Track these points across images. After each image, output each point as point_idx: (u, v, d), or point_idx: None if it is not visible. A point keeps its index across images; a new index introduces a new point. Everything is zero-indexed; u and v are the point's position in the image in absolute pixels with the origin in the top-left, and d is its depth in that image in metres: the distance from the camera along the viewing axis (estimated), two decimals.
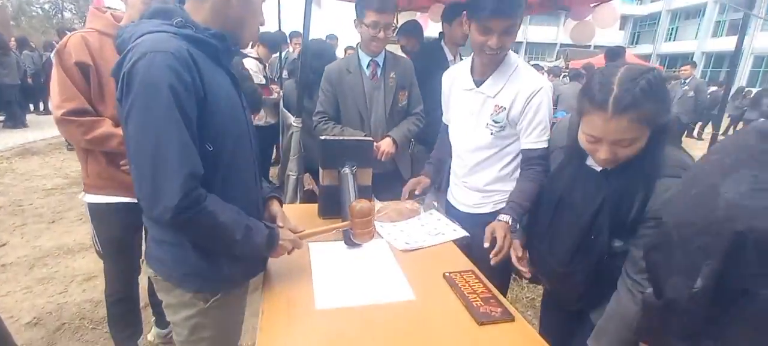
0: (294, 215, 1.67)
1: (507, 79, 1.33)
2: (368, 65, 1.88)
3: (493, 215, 1.30)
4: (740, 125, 11.22)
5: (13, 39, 8.34)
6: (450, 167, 1.63)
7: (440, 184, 1.68)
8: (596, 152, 0.95)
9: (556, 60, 19.04)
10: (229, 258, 0.94)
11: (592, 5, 3.80)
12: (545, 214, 1.14)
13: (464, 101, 1.45)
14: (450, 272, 1.16)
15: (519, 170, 1.40)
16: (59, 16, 21.65)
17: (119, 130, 1.29)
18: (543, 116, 1.30)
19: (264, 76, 3.42)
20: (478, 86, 1.38)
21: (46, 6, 20.30)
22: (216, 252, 0.92)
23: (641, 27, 29.31)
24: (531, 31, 27.20)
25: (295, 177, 2.05)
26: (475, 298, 1.04)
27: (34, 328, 2.08)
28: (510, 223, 1.22)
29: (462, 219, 1.51)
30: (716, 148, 0.68)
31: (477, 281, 1.13)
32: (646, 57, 24.43)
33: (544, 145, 1.31)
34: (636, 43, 28.60)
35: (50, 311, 2.20)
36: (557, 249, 1.08)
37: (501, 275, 1.40)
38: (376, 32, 1.72)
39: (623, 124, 0.87)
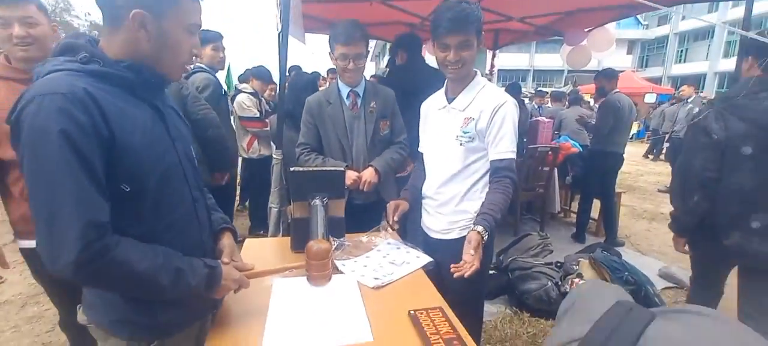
0: (269, 248, 1.64)
1: (475, 95, 1.40)
2: (348, 95, 1.88)
3: (458, 241, 1.29)
4: None
5: None
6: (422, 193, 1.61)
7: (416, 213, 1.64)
8: None
9: (563, 86, 19.02)
10: (163, 303, 0.88)
11: (585, 30, 3.80)
12: None
13: (438, 120, 1.51)
14: (415, 310, 1.08)
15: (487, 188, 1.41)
16: None
17: None
18: (508, 128, 1.35)
19: (259, 110, 3.47)
20: (450, 103, 1.46)
21: None
22: (143, 299, 0.87)
23: (650, 50, 29.22)
24: (537, 59, 27.42)
25: (276, 210, 2.02)
26: (436, 339, 0.96)
27: None
28: (484, 236, 1.24)
29: (433, 246, 1.49)
30: None
31: (443, 319, 1.05)
32: (656, 79, 24.17)
33: (511, 155, 1.36)
34: (645, 67, 28.44)
35: None
36: None
37: (473, 304, 1.37)
38: (346, 64, 1.74)
39: None
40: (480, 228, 1.24)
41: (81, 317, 0.93)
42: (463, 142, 1.40)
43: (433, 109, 1.55)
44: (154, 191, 0.82)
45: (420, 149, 1.66)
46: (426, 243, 1.53)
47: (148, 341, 0.91)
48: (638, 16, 24.76)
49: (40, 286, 2.78)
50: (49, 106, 0.68)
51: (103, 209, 0.73)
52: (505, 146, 1.36)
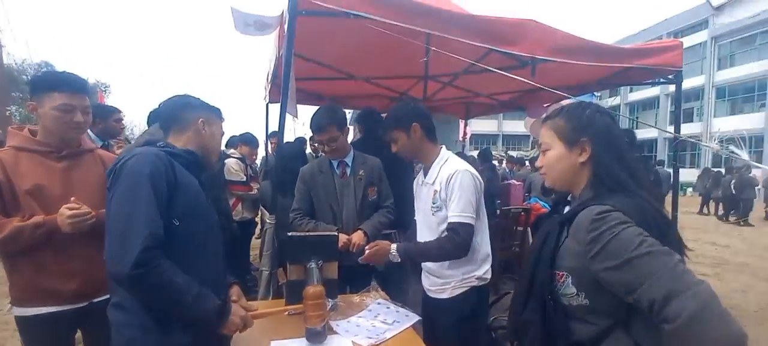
0: (262, 309, 1.68)
1: (439, 169, 1.61)
2: (338, 166, 2.07)
3: (451, 301, 1.49)
4: (711, 203, 11.71)
5: None
6: None
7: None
8: None
9: (531, 149, 20.25)
10: (181, 326, 1.04)
11: (545, 105, 4.29)
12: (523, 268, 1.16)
13: (420, 194, 1.71)
14: None
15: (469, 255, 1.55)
16: None
17: (29, 222, 1.31)
18: (457, 192, 1.51)
19: (245, 175, 3.60)
20: (425, 178, 1.67)
21: None
22: (169, 316, 1.04)
23: None
24: (506, 125, 29.38)
25: (267, 272, 2.08)
26: None
27: None
28: (390, 250, 1.55)
29: (430, 304, 1.62)
30: None
31: None
32: None
33: (457, 218, 1.49)
34: None
35: None
36: (518, 297, 1.07)
37: None
38: (322, 147, 2.01)
39: (542, 130, 1.09)
40: (395, 246, 1.56)
41: None
42: (434, 212, 1.59)
43: (418, 184, 1.76)
44: (194, 233, 1.09)
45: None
46: (425, 301, 1.66)
47: None
48: None
49: None
50: (145, 159, 1.03)
51: (161, 228, 1.00)
52: (452, 209, 1.51)
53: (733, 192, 10.14)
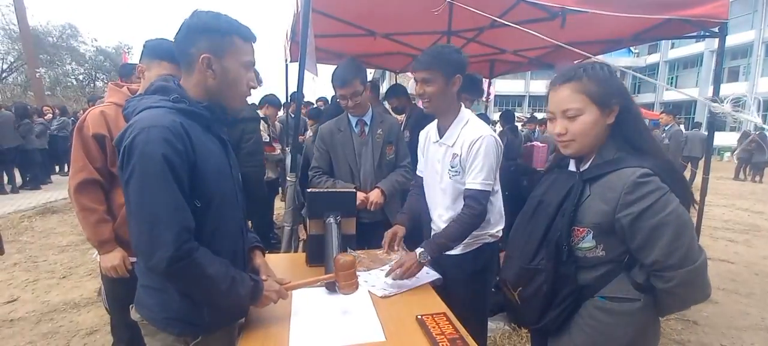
0: (284, 263, 1.78)
1: (460, 131, 1.54)
2: (356, 124, 2.07)
3: (463, 256, 1.46)
4: (748, 169, 11.09)
5: (51, 107, 9.34)
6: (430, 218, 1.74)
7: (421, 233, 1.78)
8: (554, 129, 1.08)
9: None
10: (211, 306, 1.02)
11: (576, 62, 4.05)
12: (523, 219, 1.19)
13: (433, 152, 1.65)
14: (422, 315, 1.22)
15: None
16: (91, 85, 23.46)
17: (110, 229, 1.48)
18: (481, 160, 1.46)
19: (269, 135, 3.67)
20: (441, 138, 1.60)
21: (80, 77, 22.18)
22: (200, 300, 1.00)
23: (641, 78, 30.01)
24: (532, 85, 28.16)
25: (289, 228, 2.16)
26: (442, 339, 1.09)
27: None
28: (418, 257, 1.44)
29: (441, 260, 1.60)
30: None
31: (447, 322, 1.18)
32: (649, 106, 24.72)
33: (478, 186, 1.47)
34: (638, 93, 29.17)
35: None
36: (527, 247, 1.10)
37: (476, 317, 1.50)
38: (345, 103, 1.96)
39: (564, 94, 1.02)
40: (420, 251, 1.44)
41: (134, 315, 1.07)
42: (451, 175, 1.55)
43: (429, 140, 1.69)
44: (216, 209, 0.99)
45: (418, 172, 1.82)
46: (436, 258, 1.67)
47: (193, 337, 1.04)
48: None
49: (53, 304, 2.90)
50: (157, 136, 0.86)
51: (191, 219, 0.91)
52: (473, 177, 1.47)
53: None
